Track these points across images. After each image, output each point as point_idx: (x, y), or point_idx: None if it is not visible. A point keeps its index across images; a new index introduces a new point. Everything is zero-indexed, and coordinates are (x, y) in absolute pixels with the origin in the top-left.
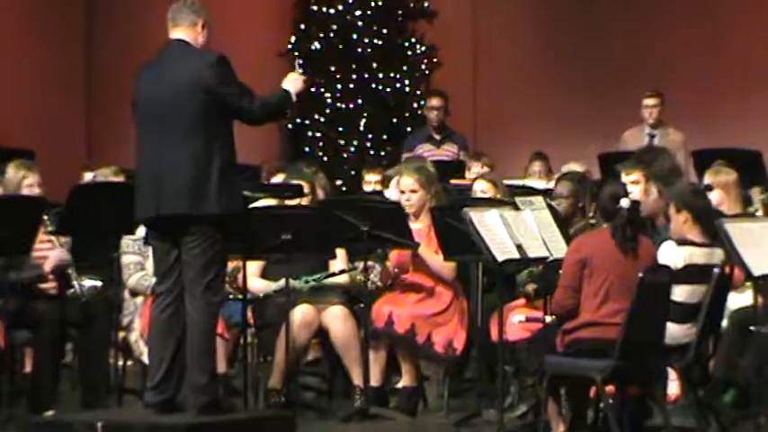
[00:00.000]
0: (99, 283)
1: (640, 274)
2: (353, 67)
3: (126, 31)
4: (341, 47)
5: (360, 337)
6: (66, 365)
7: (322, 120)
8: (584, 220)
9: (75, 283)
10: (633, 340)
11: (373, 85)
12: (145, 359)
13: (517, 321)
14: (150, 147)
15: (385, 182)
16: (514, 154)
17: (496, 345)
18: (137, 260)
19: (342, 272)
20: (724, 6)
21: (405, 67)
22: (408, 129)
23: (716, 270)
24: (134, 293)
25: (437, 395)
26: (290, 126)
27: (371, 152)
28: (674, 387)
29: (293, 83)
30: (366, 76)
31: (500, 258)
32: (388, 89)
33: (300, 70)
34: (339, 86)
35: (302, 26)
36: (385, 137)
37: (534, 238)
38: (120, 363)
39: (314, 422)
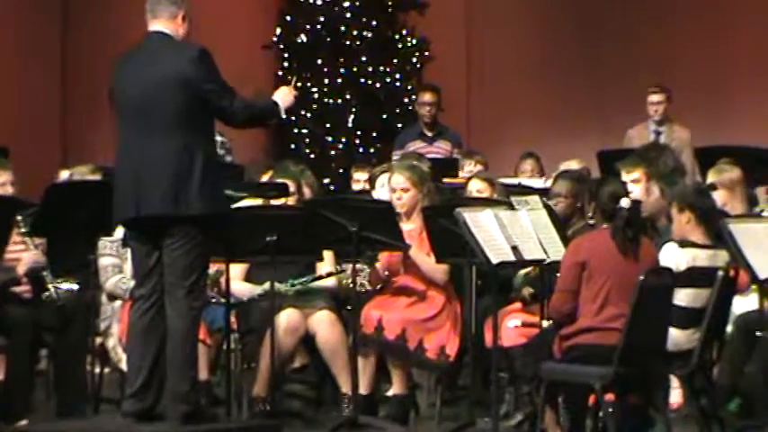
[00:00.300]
0: (75, 287)
1: (641, 277)
2: (341, 60)
3: (103, 22)
4: (328, 39)
5: (348, 342)
6: (40, 373)
7: (309, 116)
8: (582, 221)
9: (50, 286)
10: (634, 346)
11: (362, 80)
12: (123, 366)
13: (513, 326)
14: (129, 143)
15: (372, 181)
16: (509, 151)
17: (491, 351)
18: (115, 262)
19: (329, 275)
20: None
21: (395, 61)
22: (399, 125)
23: (720, 273)
24: (112, 297)
25: (429, 404)
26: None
27: (360, 150)
28: (676, 395)
29: (285, 96)
30: (355, 69)
31: (495, 260)
32: (378, 84)
33: (295, 91)
34: (326, 81)
35: (288, 17)
36: (375, 134)
37: (530, 239)
38: (98, 370)
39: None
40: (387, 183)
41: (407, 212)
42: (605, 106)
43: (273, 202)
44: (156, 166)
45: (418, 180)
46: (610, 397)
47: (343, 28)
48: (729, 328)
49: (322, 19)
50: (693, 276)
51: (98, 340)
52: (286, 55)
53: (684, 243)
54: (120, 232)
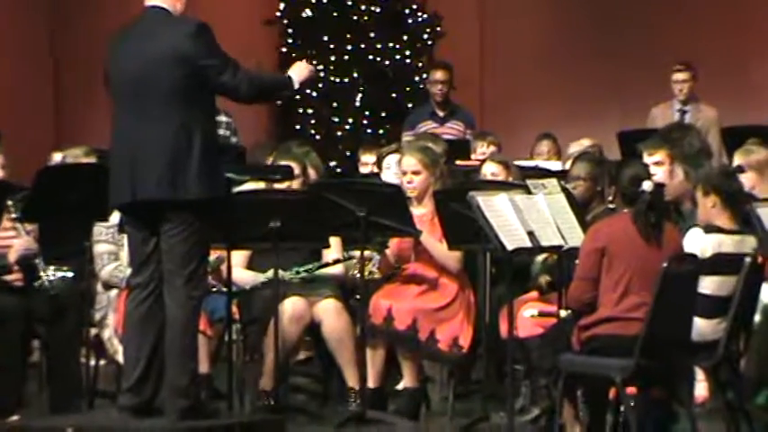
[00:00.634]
0: (69, 275)
1: (664, 265)
2: (348, 36)
3: None
4: (335, 14)
5: (355, 333)
6: (32, 365)
7: (314, 95)
8: (602, 205)
9: (42, 274)
10: (656, 337)
11: (370, 57)
12: (119, 358)
13: (529, 316)
14: (125, 125)
15: (380, 163)
16: (524, 132)
17: (506, 342)
18: (110, 249)
19: (336, 261)
20: None
21: (405, 37)
22: (409, 105)
23: (747, 259)
24: (107, 286)
25: (441, 398)
26: (279, 102)
27: (368, 131)
28: (701, 388)
29: (300, 71)
30: (362, 46)
31: (510, 247)
32: (387, 61)
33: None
34: (333, 58)
35: None
36: (383, 114)
37: (548, 224)
38: (93, 362)
39: (305, 427)
40: (393, 164)
41: (419, 196)
42: (625, 86)
43: (277, 186)
44: (152, 148)
45: (430, 162)
46: (631, 390)
47: (349, 2)
48: (757, 318)
49: None
50: (719, 263)
51: (93, 331)
52: (290, 31)
53: (710, 228)
54: (115, 217)
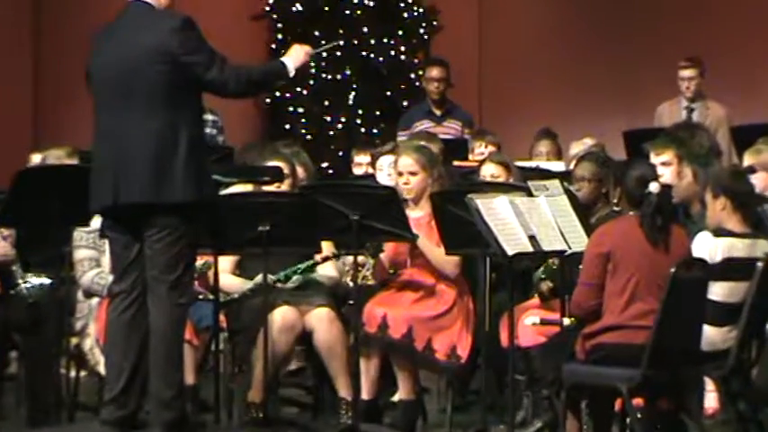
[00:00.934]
0: (48, 282)
1: (672, 270)
2: (341, 31)
3: None
4: (326, 9)
5: (348, 342)
6: (10, 377)
7: (305, 93)
8: (607, 208)
9: (20, 281)
10: (664, 346)
11: (364, 53)
12: (101, 369)
13: (530, 324)
14: (107, 124)
15: (374, 162)
16: (525, 132)
17: (507, 351)
18: (92, 255)
19: (326, 259)
20: None
21: (400, 32)
22: (404, 103)
23: (759, 264)
24: (88, 294)
25: (438, 409)
26: (267, 100)
27: (362, 130)
28: (711, 399)
29: (296, 55)
30: (355, 42)
31: (510, 252)
32: (381, 57)
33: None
34: (324, 54)
35: None
36: (377, 112)
37: (550, 228)
38: (73, 374)
39: None
40: (387, 165)
41: (415, 199)
42: (632, 83)
43: (266, 188)
44: (135, 149)
45: (427, 163)
46: (638, 402)
47: None
48: None
49: None
50: (730, 268)
51: (73, 341)
52: (279, 26)
53: (720, 232)
54: (97, 222)
